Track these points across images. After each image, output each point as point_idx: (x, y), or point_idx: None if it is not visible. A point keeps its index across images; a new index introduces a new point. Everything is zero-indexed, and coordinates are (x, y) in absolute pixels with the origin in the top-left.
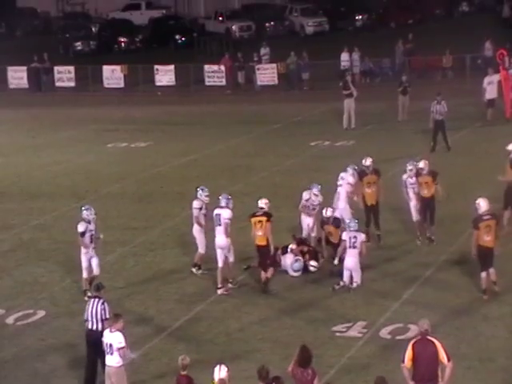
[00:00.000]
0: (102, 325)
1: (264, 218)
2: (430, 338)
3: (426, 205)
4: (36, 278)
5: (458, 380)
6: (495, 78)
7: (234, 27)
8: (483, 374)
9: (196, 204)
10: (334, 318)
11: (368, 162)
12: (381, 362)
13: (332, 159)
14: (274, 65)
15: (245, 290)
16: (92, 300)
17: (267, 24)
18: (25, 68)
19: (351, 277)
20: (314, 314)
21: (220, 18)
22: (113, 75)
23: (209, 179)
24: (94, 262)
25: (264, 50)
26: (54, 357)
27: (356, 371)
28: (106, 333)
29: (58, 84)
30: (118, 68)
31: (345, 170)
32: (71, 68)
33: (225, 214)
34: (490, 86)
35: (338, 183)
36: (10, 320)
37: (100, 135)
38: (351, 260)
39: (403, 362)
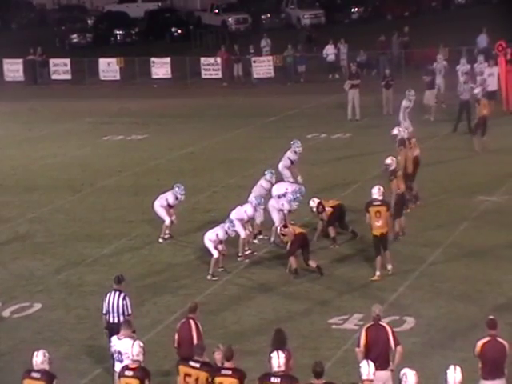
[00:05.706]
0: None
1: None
2: (381, 323)
3: None
4: (32, 271)
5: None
6: (495, 69)
7: (230, 20)
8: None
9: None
10: (330, 311)
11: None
12: None
13: (328, 152)
14: (270, 57)
15: (241, 283)
16: (112, 293)
17: (263, 16)
18: (20, 61)
19: None
20: (310, 307)
21: (216, 11)
22: (109, 68)
23: (205, 172)
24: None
25: (264, 42)
26: (50, 349)
27: (352, 364)
28: (114, 339)
29: (53, 77)
30: (114, 61)
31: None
32: (67, 61)
33: None
34: (491, 78)
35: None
36: (6, 313)
37: (96, 128)
38: None
39: (358, 346)
